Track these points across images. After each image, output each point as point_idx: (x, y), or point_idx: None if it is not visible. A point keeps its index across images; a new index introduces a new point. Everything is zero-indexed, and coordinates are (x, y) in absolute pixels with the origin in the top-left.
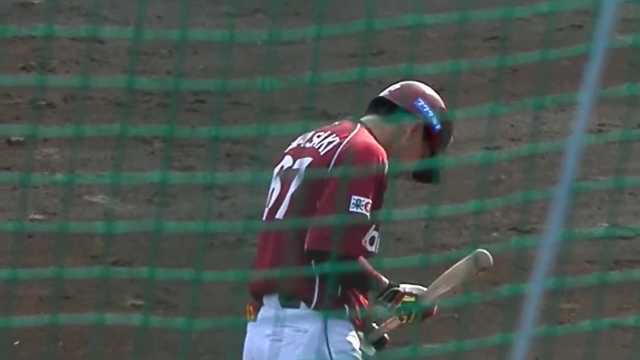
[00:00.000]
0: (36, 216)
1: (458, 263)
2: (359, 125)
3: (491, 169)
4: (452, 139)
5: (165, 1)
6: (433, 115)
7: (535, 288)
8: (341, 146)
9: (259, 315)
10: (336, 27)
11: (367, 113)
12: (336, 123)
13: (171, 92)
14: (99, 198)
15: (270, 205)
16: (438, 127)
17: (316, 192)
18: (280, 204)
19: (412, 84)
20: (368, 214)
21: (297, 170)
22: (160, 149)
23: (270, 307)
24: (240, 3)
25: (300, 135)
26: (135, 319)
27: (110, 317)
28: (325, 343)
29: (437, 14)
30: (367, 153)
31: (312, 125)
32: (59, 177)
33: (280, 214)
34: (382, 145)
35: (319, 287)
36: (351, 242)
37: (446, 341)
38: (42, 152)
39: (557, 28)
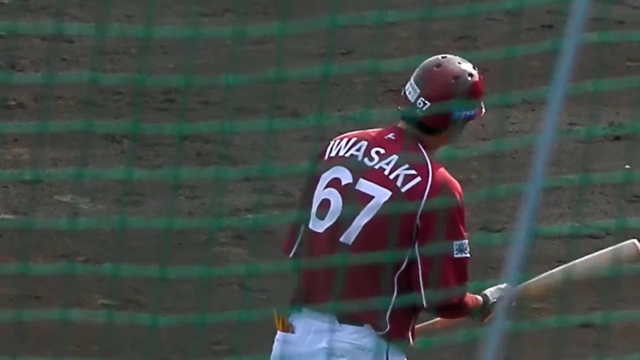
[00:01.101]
0: (6, 216)
1: (601, 252)
2: (423, 151)
3: (461, 168)
4: None
5: (136, 1)
6: (470, 111)
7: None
8: (427, 189)
9: (300, 325)
10: (300, 24)
11: (406, 121)
12: (390, 135)
13: (138, 90)
14: (68, 198)
15: (327, 220)
16: (475, 113)
17: (396, 228)
18: (346, 227)
19: (441, 91)
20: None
21: (370, 197)
22: (130, 149)
23: (316, 319)
24: (209, 3)
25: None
26: (101, 314)
27: (78, 317)
28: None
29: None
30: (453, 195)
31: (280, 124)
32: (28, 176)
33: (347, 239)
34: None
35: (391, 316)
36: (465, 290)
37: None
38: (13, 151)
39: (527, 28)
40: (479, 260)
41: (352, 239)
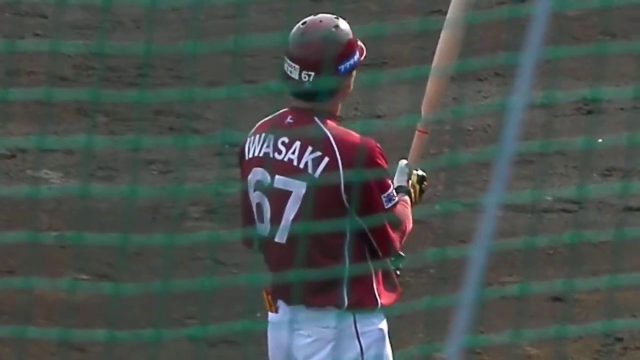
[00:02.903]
0: None
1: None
2: (322, 125)
3: (432, 143)
4: None
5: None
6: (355, 58)
7: (476, 258)
8: (339, 165)
9: (281, 305)
10: None
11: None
12: (289, 119)
13: (112, 66)
14: (41, 173)
15: (267, 223)
16: (361, 58)
17: (326, 210)
18: (278, 226)
19: (321, 56)
20: (397, 199)
21: (288, 192)
22: (103, 123)
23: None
24: None
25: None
26: (63, 283)
27: (45, 283)
28: (356, 337)
29: None
30: (368, 152)
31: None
32: (1, 152)
33: (281, 238)
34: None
35: (348, 289)
36: (403, 237)
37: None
38: None
39: (498, 2)
40: (450, 234)
41: (285, 237)
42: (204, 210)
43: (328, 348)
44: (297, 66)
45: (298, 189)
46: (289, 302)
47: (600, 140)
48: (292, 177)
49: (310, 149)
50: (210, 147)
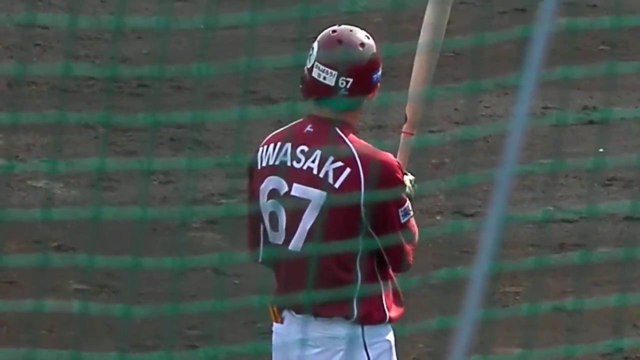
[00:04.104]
0: None
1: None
2: (343, 135)
3: (434, 152)
4: None
5: None
6: (380, 69)
7: (478, 272)
8: (362, 181)
9: (287, 315)
10: (271, 13)
11: (315, 101)
12: (309, 128)
13: (113, 77)
14: (42, 183)
15: (281, 232)
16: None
17: (343, 224)
18: (293, 235)
19: (359, 64)
20: (412, 213)
21: (306, 200)
22: (103, 134)
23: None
24: None
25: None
26: (76, 305)
27: (52, 305)
28: (364, 348)
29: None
30: (388, 169)
31: (253, 110)
32: (2, 162)
33: (296, 247)
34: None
35: (358, 301)
36: (413, 247)
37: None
38: None
39: (499, 12)
40: (452, 245)
41: (301, 247)
42: (205, 220)
43: (336, 358)
44: (334, 72)
45: (317, 198)
46: (298, 311)
47: (601, 150)
48: (311, 186)
49: (331, 158)
50: (212, 158)
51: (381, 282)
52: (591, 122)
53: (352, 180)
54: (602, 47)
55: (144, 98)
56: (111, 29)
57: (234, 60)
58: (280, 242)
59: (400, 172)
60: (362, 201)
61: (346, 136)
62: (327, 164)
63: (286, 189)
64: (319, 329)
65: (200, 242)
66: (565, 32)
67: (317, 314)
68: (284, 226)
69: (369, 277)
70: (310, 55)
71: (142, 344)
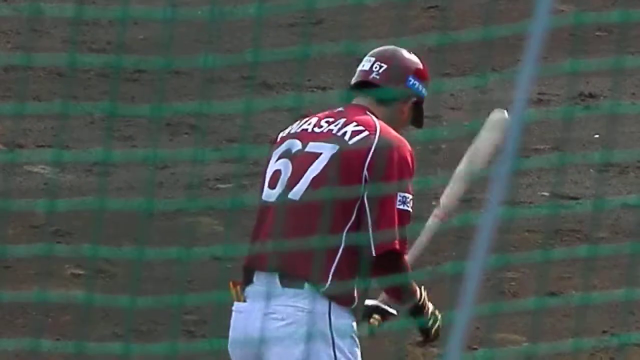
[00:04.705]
0: None
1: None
2: (372, 116)
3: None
4: None
5: None
6: (423, 89)
7: (476, 262)
8: (375, 142)
9: (250, 293)
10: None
11: (354, 93)
12: (340, 109)
13: (112, 63)
14: (39, 168)
15: (278, 188)
16: (425, 93)
17: (346, 178)
18: (295, 185)
19: (397, 59)
20: (411, 211)
21: (317, 154)
22: (100, 119)
23: (263, 285)
24: None
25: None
26: (78, 296)
27: (53, 295)
28: (328, 325)
29: None
30: (402, 152)
31: (253, 95)
32: (1, 148)
33: (295, 195)
34: None
35: (335, 272)
36: (405, 242)
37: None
38: None
39: None
40: (449, 230)
41: (300, 194)
42: (201, 205)
43: (300, 332)
44: (373, 59)
45: (329, 151)
46: (269, 268)
47: (596, 135)
48: (326, 142)
49: (354, 123)
50: (207, 142)
51: (357, 275)
52: (587, 108)
53: (366, 141)
54: (597, 33)
55: (141, 83)
56: (112, 17)
57: (235, 45)
58: (274, 200)
59: (410, 157)
60: (368, 159)
61: (377, 119)
62: (349, 126)
63: (299, 147)
64: (284, 300)
65: (197, 227)
66: (562, 17)
67: (286, 281)
68: (286, 178)
69: (350, 258)
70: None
71: (138, 329)
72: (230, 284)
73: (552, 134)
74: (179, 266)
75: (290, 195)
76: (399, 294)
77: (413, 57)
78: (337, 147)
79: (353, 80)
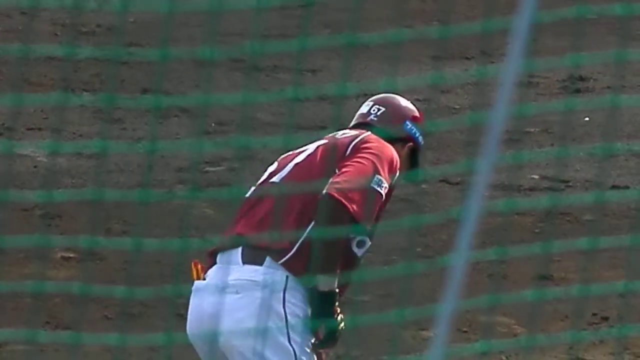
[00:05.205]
0: None
1: None
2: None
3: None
4: None
5: None
6: (420, 134)
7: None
8: (361, 136)
9: (211, 272)
10: None
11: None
12: (343, 132)
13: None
14: (29, 151)
15: (264, 177)
16: (422, 141)
17: (327, 163)
18: (279, 171)
19: (395, 104)
20: (383, 197)
21: (304, 150)
22: (89, 102)
23: (223, 263)
24: None
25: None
26: (75, 286)
27: (49, 286)
28: (282, 303)
29: None
30: (389, 152)
31: (242, 78)
32: None
33: (278, 178)
34: None
35: (299, 249)
36: (366, 213)
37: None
38: None
39: None
40: (440, 213)
41: (281, 177)
42: (191, 189)
43: (254, 306)
44: (371, 103)
45: (316, 143)
46: (234, 244)
47: (586, 118)
48: (319, 140)
49: (354, 133)
50: (197, 126)
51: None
52: (577, 91)
53: (354, 136)
54: (588, 16)
55: (131, 65)
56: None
57: (225, 27)
58: (257, 186)
59: (394, 158)
60: (349, 146)
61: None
62: (341, 132)
63: (289, 153)
64: (241, 275)
65: (187, 210)
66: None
67: (247, 258)
68: (270, 171)
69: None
70: None
71: (129, 311)
72: (192, 263)
73: (542, 117)
74: (169, 252)
75: (273, 179)
76: (326, 251)
77: (410, 105)
78: (325, 140)
79: (351, 124)
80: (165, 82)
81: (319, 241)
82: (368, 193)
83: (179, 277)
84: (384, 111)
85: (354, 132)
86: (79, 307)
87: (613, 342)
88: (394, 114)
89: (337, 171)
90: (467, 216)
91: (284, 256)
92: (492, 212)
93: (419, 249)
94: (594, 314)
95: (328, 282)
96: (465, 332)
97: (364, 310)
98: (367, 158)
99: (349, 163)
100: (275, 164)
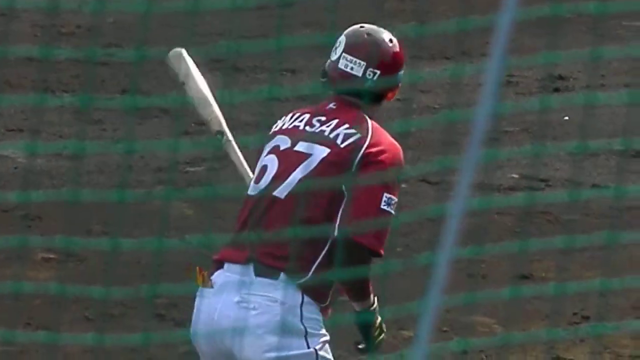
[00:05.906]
0: None
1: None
2: (365, 116)
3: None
4: None
5: None
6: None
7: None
8: (366, 143)
9: (220, 280)
10: None
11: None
12: (332, 105)
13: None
14: (9, 152)
15: (262, 183)
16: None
17: (334, 185)
18: (281, 183)
19: (388, 59)
20: (393, 214)
21: (307, 155)
22: (69, 103)
23: (234, 273)
24: None
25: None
26: (53, 287)
27: (29, 287)
28: (299, 318)
29: None
30: (395, 154)
31: (223, 78)
32: None
33: (281, 193)
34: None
35: (318, 267)
36: (383, 241)
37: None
38: None
39: None
40: (423, 212)
41: (285, 194)
42: (171, 189)
43: (273, 323)
44: (362, 63)
45: (319, 153)
46: (245, 261)
47: (566, 117)
48: (317, 144)
49: (347, 125)
50: (178, 126)
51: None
52: (557, 90)
53: (357, 143)
54: (568, 15)
55: (111, 67)
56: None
57: (204, 28)
58: (255, 193)
59: (400, 162)
60: (357, 160)
61: (369, 119)
62: (340, 128)
63: (288, 145)
64: (255, 289)
65: (167, 210)
66: None
67: (260, 271)
68: (272, 175)
69: (330, 258)
70: (336, 47)
71: (109, 312)
72: (197, 269)
73: (521, 117)
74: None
75: (275, 193)
76: (356, 288)
77: (397, 46)
78: (329, 150)
79: (338, 84)
80: (145, 83)
81: (348, 282)
82: (381, 219)
83: (159, 277)
84: (379, 74)
85: (351, 131)
86: (59, 308)
87: (593, 341)
88: (390, 73)
89: (345, 192)
90: (451, 216)
91: (300, 276)
92: (472, 212)
93: (399, 249)
94: (575, 313)
95: (363, 305)
96: (446, 331)
97: (344, 309)
98: (375, 176)
99: (358, 193)
100: (275, 162)
